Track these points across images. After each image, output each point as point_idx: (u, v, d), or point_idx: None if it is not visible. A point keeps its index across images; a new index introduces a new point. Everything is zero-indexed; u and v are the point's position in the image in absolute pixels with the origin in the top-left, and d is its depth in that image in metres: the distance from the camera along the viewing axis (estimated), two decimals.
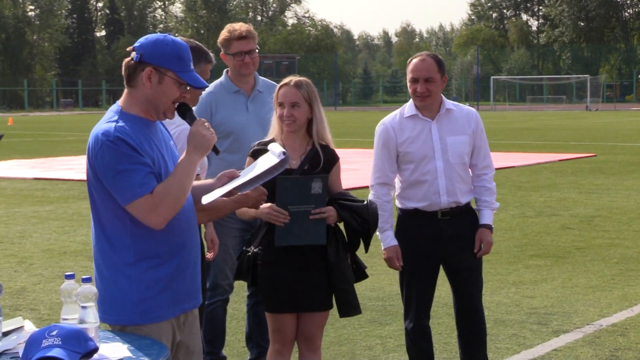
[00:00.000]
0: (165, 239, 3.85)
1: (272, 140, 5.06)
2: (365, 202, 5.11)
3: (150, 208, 3.71)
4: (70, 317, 3.57)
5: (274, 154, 4.23)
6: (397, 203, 5.82)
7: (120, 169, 3.70)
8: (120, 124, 3.76)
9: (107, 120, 3.82)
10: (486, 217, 5.75)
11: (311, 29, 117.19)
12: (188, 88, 3.88)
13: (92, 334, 3.46)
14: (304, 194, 4.87)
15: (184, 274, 3.94)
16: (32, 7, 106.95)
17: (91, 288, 3.53)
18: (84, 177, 13.04)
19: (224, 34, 6.24)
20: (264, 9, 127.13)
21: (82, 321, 3.49)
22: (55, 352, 3.27)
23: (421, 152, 5.59)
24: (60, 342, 3.30)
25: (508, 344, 7.04)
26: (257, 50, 6.29)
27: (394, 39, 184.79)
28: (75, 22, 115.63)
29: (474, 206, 5.84)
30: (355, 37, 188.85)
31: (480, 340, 5.86)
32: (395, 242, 5.65)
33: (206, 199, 3.99)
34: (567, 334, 7.31)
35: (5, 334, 3.63)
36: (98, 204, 3.85)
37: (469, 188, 5.76)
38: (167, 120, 3.96)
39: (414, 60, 5.62)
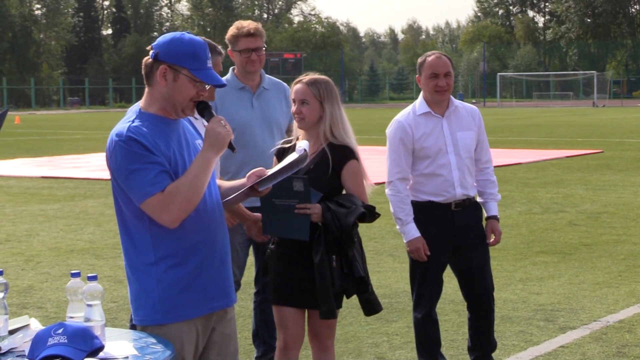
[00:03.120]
0: (186, 237, 3.85)
1: (296, 139, 5.09)
2: (351, 208, 4.99)
3: (161, 206, 3.72)
4: (76, 315, 3.57)
5: (297, 151, 4.28)
6: (411, 196, 6.01)
7: (132, 169, 3.72)
8: (136, 123, 3.80)
9: (124, 120, 3.86)
10: (493, 208, 6.13)
11: (317, 26, 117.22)
12: (207, 86, 3.89)
13: (98, 332, 3.47)
14: (287, 190, 4.87)
15: (207, 272, 3.92)
16: (38, 6, 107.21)
17: (97, 286, 3.53)
18: (90, 175, 13.06)
19: (232, 30, 6.25)
20: (270, 7, 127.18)
21: (88, 319, 3.50)
22: (61, 351, 3.29)
23: (436, 146, 5.89)
24: (66, 341, 3.32)
25: (515, 341, 7.04)
26: (264, 49, 6.30)
27: (401, 36, 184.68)
28: (82, 20, 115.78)
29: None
30: (362, 34, 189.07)
31: (488, 315, 6.13)
32: (418, 233, 5.88)
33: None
34: (574, 331, 7.30)
35: (12, 332, 3.64)
36: (120, 205, 3.88)
37: (474, 181, 6.08)
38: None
39: (431, 58, 5.90)
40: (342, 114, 5.13)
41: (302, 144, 4.34)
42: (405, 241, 5.94)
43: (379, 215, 5.16)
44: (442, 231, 5.92)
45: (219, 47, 5.55)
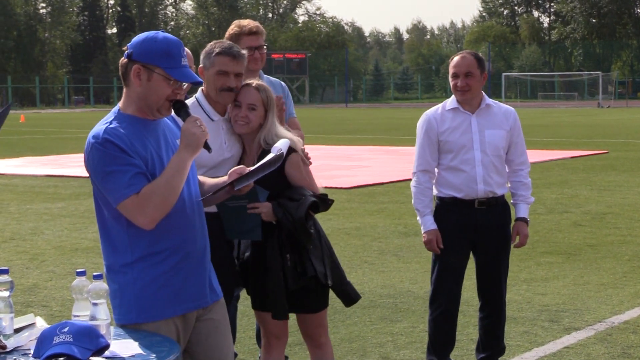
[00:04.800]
0: (163, 237, 3.85)
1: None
2: (300, 200, 4.94)
3: (137, 208, 3.72)
4: (81, 314, 3.58)
5: (272, 150, 4.31)
6: (436, 191, 6.13)
7: (108, 171, 3.73)
8: (112, 125, 3.80)
9: (102, 122, 3.86)
10: (522, 210, 6.19)
11: (322, 25, 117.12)
12: (184, 85, 3.88)
13: (103, 330, 3.48)
14: None
15: (183, 272, 3.93)
16: (43, 5, 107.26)
17: (102, 285, 3.55)
18: None
19: (233, 29, 6.24)
20: (275, 6, 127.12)
21: (93, 318, 3.51)
22: (66, 349, 3.29)
23: (460, 141, 5.96)
24: (71, 339, 3.33)
25: (519, 341, 7.04)
26: (265, 47, 6.31)
27: (405, 36, 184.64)
28: (87, 19, 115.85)
29: (508, 200, 6.21)
30: (367, 34, 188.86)
31: (500, 317, 6.21)
32: (435, 225, 5.97)
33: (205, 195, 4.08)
34: (578, 332, 7.29)
35: (17, 330, 3.65)
36: (100, 205, 3.89)
37: (504, 181, 6.12)
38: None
39: (455, 58, 6.00)
40: (274, 121, 5.06)
41: (279, 144, 4.34)
42: (422, 232, 6.04)
43: (332, 201, 5.10)
44: (463, 229, 5.98)
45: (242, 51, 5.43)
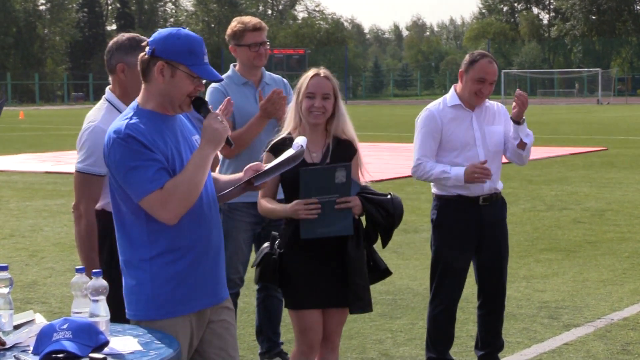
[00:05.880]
0: (181, 234, 3.86)
1: (289, 135, 5.01)
2: (389, 196, 5.04)
3: (160, 203, 3.73)
4: (81, 311, 3.59)
5: (293, 147, 4.26)
6: (437, 190, 6.09)
7: (131, 166, 3.73)
8: (133, 120, 3.80)
9: (121, 117, 3.87)
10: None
11: (321, 22, 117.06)
12: (204, 81, 3.89)
13: (102, 327, 3.49)
14: (328, 184, 4.79)
15: (201, 268, 3.93)
16: (42, 1, 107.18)
17: (102, 282, 3.55)
18: None
19: (236, 26, 6.23)
20: (274, 3, 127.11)
21: (92, 315, 3.52)
22: (66, 346, 3.30)
23: (464, 139, 5.97)
24: (71, 336, 3.34)
25: (519, 338, 7.04)
26: (267, 43, 6.31)
27: (405, 33, 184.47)
28: (86, 16, 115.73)
29: (505, 194, 6.26)
30: (366, 30, 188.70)
31: (500, 313, 6.23)
32: (462, 168, 5.83)
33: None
34: (578, 328, 7.30)
35: (17, 327, 3.66)
36: (117, 201, 3.89)
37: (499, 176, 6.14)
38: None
39: (483, 62, 5.89)
40: (344, 109, 5.12)
41: (300, 140, 4.31)
42: (464, 182, 5.86)
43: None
44: (468, 227, 5.99)
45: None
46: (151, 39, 3.88)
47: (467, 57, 5.98)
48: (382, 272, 5.16)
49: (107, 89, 5.00)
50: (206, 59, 3.88)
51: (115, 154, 3.77)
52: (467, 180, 5.83)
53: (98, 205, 4.86)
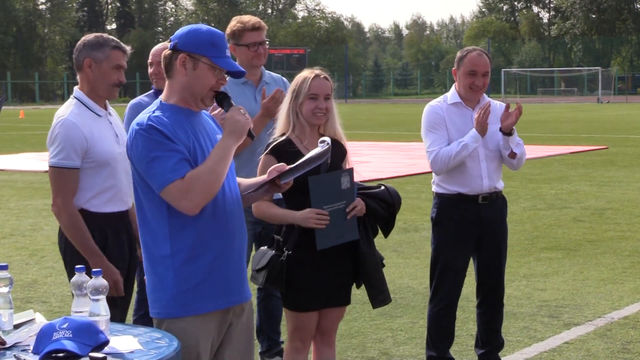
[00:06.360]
0: (204, 229, 3.86)
1: (283, 135, 5.01)
2: (382, 187, 5.11)
3: (182, 193, 3.74)
4: (81, 310, 3.59)
5: (320, 145, 4.31)
6: (437, 188, 6.10)
7: (152, 156, 3.76)
8: (156, 113, 3.84)
9: (145, 111, 3.90)
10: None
11: (321, 21, 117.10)
12: (226, 77, 3.92)
13: (102, 326, 3.49)
14: (336, 190, 4.83)
15: (225, 266, 3.93)
16: (42, 1, 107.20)
17: (102, 281, 3.55)
18: None
19: (235, 25, 6.24)
20: (275, 2, 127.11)
21: (92, 314, 3.52)
22: (65, 345, 3.30)
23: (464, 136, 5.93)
24: (71, 335, 3.34)
25: (519, 337, 7.05)
26: (267, 43, 6.31)
27: (405, 32, 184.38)
28: (86, 15, 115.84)
29: (505, 193, 6.27)
30: (366, 29, 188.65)
31: (499, 311, 6.24)
32: (474, 130, 5.84)
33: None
34: (578, 327, 7.31)
35: (17, 326, 3.66)
36: (140, 195, 3.90)
37: (501, 175, 6.16)
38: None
39: (472, 55, 5.94)
40: (336, 109, 5.13)
41: (326, 138, 4.38)
42: (480, 140, 5.87)
43: None
44: (468, 225, 6.00)
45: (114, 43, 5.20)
46: (173, 35, 3.93)
47: (457, 54, 6.02)
48: (381, 262, 5.20)
49: (75, 88, 5.07)
50: (228, 53, 3.92)
51: (137, 145, 3.79)
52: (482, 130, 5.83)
53: (76, 205, 4.89)
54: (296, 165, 4.14)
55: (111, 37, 5.07)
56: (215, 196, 3.82)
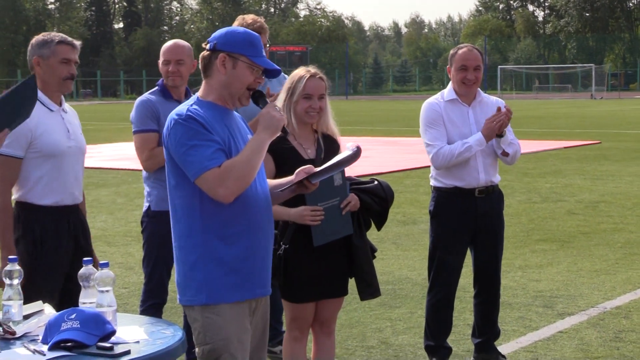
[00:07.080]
0: (234, 221, 3.94)
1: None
2: (375, 182, 5.19)
3: (218, 180, 3.81)
4: (88, 301, 3.65)
5: (349, 148, 4.34)
6: (435, 182, 6.20)
7: (190, 144, 3.85)
8: (194, 106, 3.95)
9: (184, 104, 4.01)
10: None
11: (323, 20, 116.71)
12: (263, 76, 4.03)
13: (109, 317, 3.55)
14: (329, 187, 4.89)
15: (253, 258, 4.01)
16: (52, 0, 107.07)
17: (109, 273, 3.61)
18: (103, 165, 13.10)
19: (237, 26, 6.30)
20: (277, 1, 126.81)
21: (100, 305, 3.58)
22: (74, 335, 3.38)
23: (461, 133, 6.04)
24: (79, 325, 3.41)
25: (514, 326, 7.15)
26: (268, 45, 6.38)
27: (404, 30, 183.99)
28: (94, 14, 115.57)
29: (501, 186, 6.36)
30: (366, 28, 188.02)
31: (495, 302, 6.36)
32: (479, 133, 5.95)
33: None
34: (572, 317, 7.41)
35: (26, 317, 3.72)
36: (173, 187, 3.99)
37: (497, 169, 6.23)
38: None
39: (462, 51, 6.05)
40: (329, 106, 5.18)
41: (355, 143, 4.39)
42: (485, 144, 5.98)
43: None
44: (464, 218, 6.09)
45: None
46: (211, 37, 4.02)
47: (450, 52, 6.13)
48: (373, 254, 5.28)
49: None
50: (264, 52, 4.04)
51: (176, 133, 3.89)
52: (489, 133, 5.92)
53: (18, 197, 4.96)
54: (325, 168, 4.22)
55: (58, 34, 5.13)
56: (245, 191, 3.91)
